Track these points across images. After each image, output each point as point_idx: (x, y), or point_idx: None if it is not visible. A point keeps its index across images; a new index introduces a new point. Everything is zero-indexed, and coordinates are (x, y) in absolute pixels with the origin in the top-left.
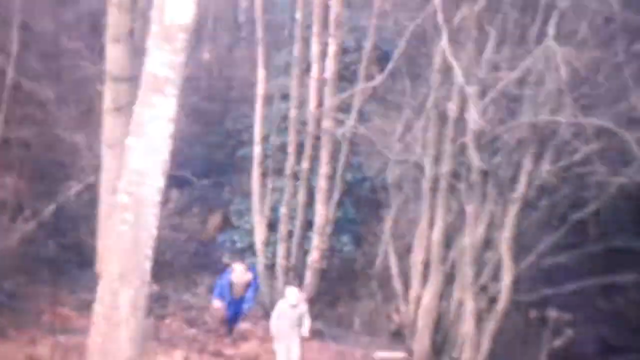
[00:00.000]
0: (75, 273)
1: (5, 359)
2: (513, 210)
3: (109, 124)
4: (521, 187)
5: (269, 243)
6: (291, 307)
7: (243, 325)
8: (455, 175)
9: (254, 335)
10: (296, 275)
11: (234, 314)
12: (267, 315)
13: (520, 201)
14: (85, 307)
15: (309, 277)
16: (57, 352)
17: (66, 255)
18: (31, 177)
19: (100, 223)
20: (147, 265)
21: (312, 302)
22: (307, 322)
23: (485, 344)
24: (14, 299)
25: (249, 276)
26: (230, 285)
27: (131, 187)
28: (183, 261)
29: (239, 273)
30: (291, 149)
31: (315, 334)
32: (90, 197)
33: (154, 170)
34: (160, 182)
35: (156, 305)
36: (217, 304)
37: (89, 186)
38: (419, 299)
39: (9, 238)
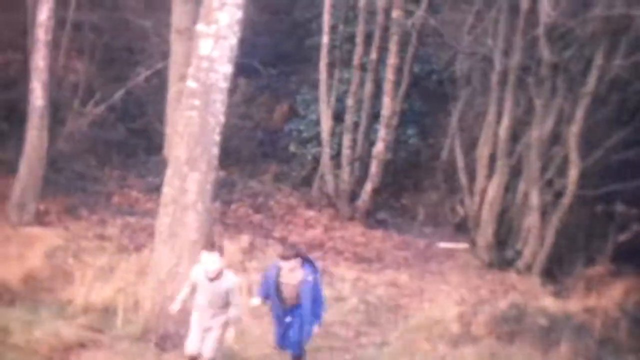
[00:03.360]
0: (143, 157)
1: (78, 237)
2: (582, 104)
3: (179, 10)
4: (592, 81)
5: (335, 133)
6: (209, 279)
7: (308, 213)
8: (524, 68)
9: (320, 222)
10: (361, 165)
11: (286, 331)
12: (331, 204)
13: (590, 96)
14: (153, 190)
15: (374, 168)
16: (126, 232)
17: (135, 139)
18: (102, 61)
19: (168, 109)
20: (215, 150)
21: (377, 192)
22: (234, 307)
23: (550, 238)
24: (85, 181)
25: (301, 275)
26: (277, 286)
27: (200, 73)
28: (250, 149)
29: (286, 271)
30: (359, 39)
31: (380, 223)
32: (158, 82)
33: (223, 57)
34: (228, 68)
35: (223, 191)
36: (256, 301)
37: (158, 72)
38: (484, 192)
39: (80, 121)
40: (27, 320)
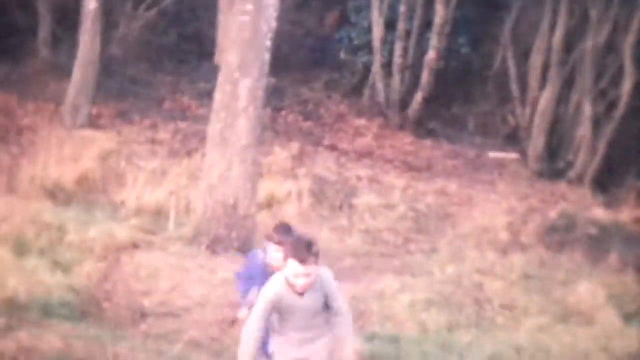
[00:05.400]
0: (194, 63)
1: (130, 140)
2: (638, 14)
3: None
4: None
5: (386, 41)
6: (299, 295)
7: (358, 122)
8: None
9: (370, 130)
10: (412, 74)
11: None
12: (382, 112)
13: None
14: (204, 96)
15: (425, 76)
16: (178, 137)
17: (186, 45)
18: None
19: (220, 14)
20: (266, 56)
21: (427, 101)
22: (343, 314)
23: (602, 148)
24: (137, 85)
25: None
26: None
27: None
28: (300, 56)
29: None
30: None
31: (430, 132)
32: None
33: None
34: None
35: (273, 98)
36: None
37: None
38: (535, 102)
39: (132, 25)
40: (81, 220)
